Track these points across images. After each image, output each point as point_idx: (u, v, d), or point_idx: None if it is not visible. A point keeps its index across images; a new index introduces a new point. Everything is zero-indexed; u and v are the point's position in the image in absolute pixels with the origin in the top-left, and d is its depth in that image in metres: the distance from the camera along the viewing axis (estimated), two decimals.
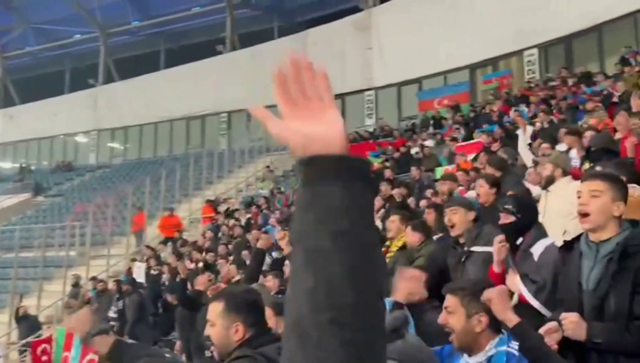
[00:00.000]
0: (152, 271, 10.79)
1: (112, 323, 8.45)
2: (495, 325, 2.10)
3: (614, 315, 2.10)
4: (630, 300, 2.07)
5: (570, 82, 14.01)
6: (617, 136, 5.10)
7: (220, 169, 19.65)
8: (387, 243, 4.92)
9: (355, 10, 22.95)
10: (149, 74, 27.20)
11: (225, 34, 26.47)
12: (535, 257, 2.89)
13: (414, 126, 17.77)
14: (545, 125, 9.74)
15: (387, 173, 10.98)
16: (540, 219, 3.70)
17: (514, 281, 2.84)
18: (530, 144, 7.47)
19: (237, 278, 7.08)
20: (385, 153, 14.57)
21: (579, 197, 2.31)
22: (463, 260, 3.61)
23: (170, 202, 17.52)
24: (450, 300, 2.16)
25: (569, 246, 2.40)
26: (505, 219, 3.02)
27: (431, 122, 17.14)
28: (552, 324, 2.17)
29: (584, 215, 2.23)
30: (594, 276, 2.20)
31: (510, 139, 9.46)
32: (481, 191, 4.47)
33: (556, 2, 16.84)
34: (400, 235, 4.77)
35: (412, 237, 4.49)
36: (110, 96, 27.51)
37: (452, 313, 2.12)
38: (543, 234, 3.01)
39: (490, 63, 19.54)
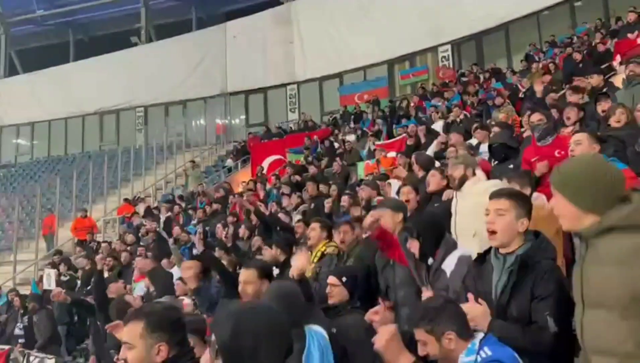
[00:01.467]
0: (63, 277, 10.15)
1: (19, 340, 7.88)
2: (465, 334, 2.15)
3: (515, 321, 2.25)
4: (529, 307, 2.22)
5: (481, 78, 14.73)
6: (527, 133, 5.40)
7: (137, 167, 18.84)
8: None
9: (276, 3, 22.80)
10: (57, 66, 25.54)
11: (140, 25, 25.38)
12: (448, 273, 2.97)
13: (336, 120, 17.95)
14: (459, 119, 10.18)
15: (312, 169, 10.98)
16: (453, 220, 3.79)
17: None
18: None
19: None
20: (307, 148, 14.59)
21: (486, 215, 2.45)
22: (391, 263, 3.62)
23: (84, 202, 16.60)
24: (418, 334, 2.19)
25: (482, 258, 2.54)
26: (412, 244, 3.07)
27: (352, 116, 17.39)
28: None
29: (491, 233, 2.38)
30: (500, 286, 2.35)
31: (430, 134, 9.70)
32: (410, 198, 4.54)
33: (467, 1, 17.63)
34: (323, 243, 4.74)
35: (348, 236, 4.38)
36: (14, 90, 25.58)
37: (426, 345, 2.16)
38: (451, 247, 3.08)
39: (407, 59, 20.13)
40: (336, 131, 15.68)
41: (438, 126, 10.46)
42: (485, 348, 2.07)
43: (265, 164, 15.62)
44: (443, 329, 2.11)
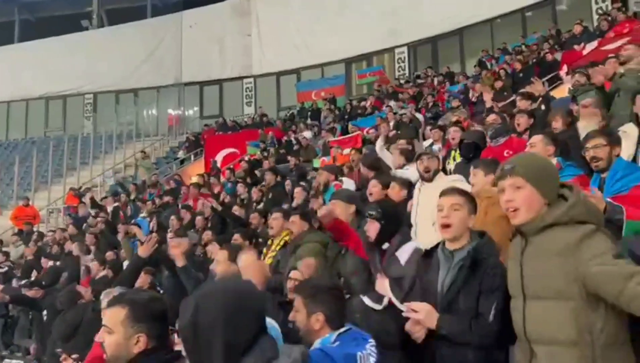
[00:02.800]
0: (0, 269, 9.68)
1: None
2: (334, 323, 2.25)
3: (462, 316, 2.32)
4: (477, 302, 2.31)
5: (436, 81, 15.05)
6: None
7: (85, 155, 18.17)
8: (269, 242, 4.86)
9: None
10: (0, 46, 24.26)
11: (91, 9, 24.45)
12: (402, 261, 3.01)
13: (293, 116, 17.93)
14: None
15: (266, 163, 10.94)
16: (414, 210, 3.89)
17: (383, 285, 2.96)
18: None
19: (103, 274, 6.60)
20: (264, 141, 14.51)
21: (440, 210, 2.53)
22: (343, 252, 3.67)
23: (26, 190, 15.85)
24: (297, 300, 2.34)
25: (429, 254, 2.63)
26: (371, 225, 3.12)
27: (309, 113, 17.41)
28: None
29: (446, 226, 2.47)
30: (447, 281, 2.40)
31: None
32: (374, 191, 4.59)
33: (424, 5, 17.97)
34: (285, 233, 4.74)
35: (300, 226, 4.46)
36: None
37: (298, 312, 2.31)
38: (407, 238, 3.15)
39: (365, 58, 20.32)
40: (293, 127, 15.65)
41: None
42: (337, 342, 2.17)
43: (219, 157, 15.41)
44: (316, 308, 2.24)
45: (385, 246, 3.09)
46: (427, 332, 2.39)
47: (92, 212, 11.86)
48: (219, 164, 14.66)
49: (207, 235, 6.90)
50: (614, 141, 3.27)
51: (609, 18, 11.64)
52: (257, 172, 11.06)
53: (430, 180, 4.13)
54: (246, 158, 13.24)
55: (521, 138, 4.49)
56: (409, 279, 2.85)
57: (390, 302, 2.95)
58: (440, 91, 13.68)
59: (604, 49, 9.40)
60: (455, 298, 2.36)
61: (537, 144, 3.66)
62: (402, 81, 16.85)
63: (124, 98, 23.03)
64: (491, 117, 5.17)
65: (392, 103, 13.19)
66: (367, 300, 3.08)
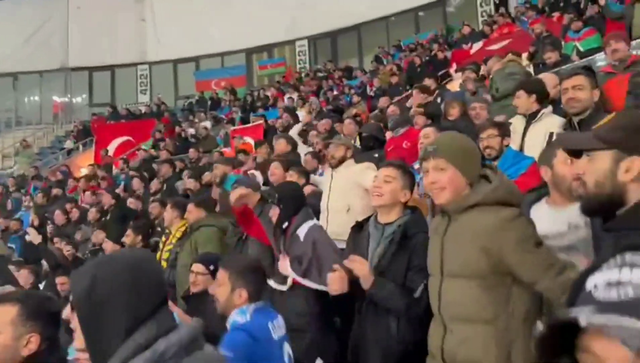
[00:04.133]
0: None
1: None
2: (254, 298, 2.32)
3: (387, 279, 2.37)
4: (405, 275, 2.36)
5: (336, 75, 15.37)
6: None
7: None
8: (167, 231, 4.71)
9: None
10: None
11: None
12: (301, 238, 3.08)
13: (192, 105, 17.39)
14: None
15: (163, 154, 10.51)
16: (326, 196, 3.96)
17: (284, 265, 3.02)
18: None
19: None
20: (160, 131, 13.93)
21: (374, 180, 2.59)
22: (244, 238, 3.66)
23: None
24: (221, 273, 2.37)
25: (359, 227, 2.67)
26: (274, 209, 3.18)
27: (209, 103, 17.00)
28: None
29: (378, 195, 2.52)
30: (377, 254, 2.44)
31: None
32: (276, 172, 4.65)
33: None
34: (182, 223, 4.62)
35: (196, 213, 4.40)
36: None
37: (220, 286, 2.34)
38: (308, 217, 3.21)
39: (266, 50, 20.22)
40: (191, 117, 15.19)
41: (301, 115, 10.70)
42: (253, 314, 2.27)
43: (112, 147, 14.56)
44: (241, 284, 2.30)
45: (285, 224, 3.15)
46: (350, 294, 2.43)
47: None
48: (111, 154, 13.86)
49: (100, 235, 6.43)
50: (505, 132, 3.55)
51: (492, 21, 12.60)
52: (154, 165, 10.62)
53: (335, 167, 4.21)
54: (143, 147, 12.62)
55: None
56: (307, 255, 2.90)
57: (294, 281, 3.00)
58: (339, 85, 14.00)
59: (489, 49, 10.17)
60: (384, 270, 2.40)
61: (431, 135, 3.87)
62: (303, 75, 17.00)
63: (1, 82, 20.94)
64: (390, 109, 5.41)
65: (294, 95, 13.26)
66: (272, 283, 3.11)
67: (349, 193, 3.79)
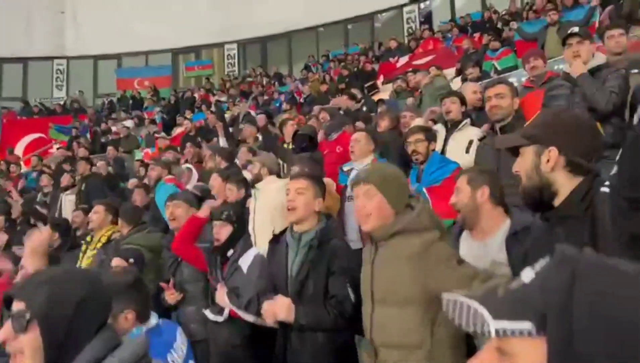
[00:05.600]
0: None
1: None
2: (143, 318, 2.15)
3: (312, 297, 2.39)
4: (326, 281, 2.39)
5: (265, 80, 15.35)
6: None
7: None
8: (88, 238, 4.41)
9: None
10: None
11: None
12: (244, 269, 3.01)
13: (112, 103, 16.67)
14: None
15: (82, 152, 10.01)
16: (251, 218, 3.83)
17: (222, 296, 2.94)
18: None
19: None
20: (77, 128, 13.24)
21: (287, 194, 2.60)
22: (179, 261, 3.48)
23: None
24: None
25: (277, 239, 2.68)
26: (222, 228, 3.08)
27: (130, 102, 16.38)
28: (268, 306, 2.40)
29: (292, 209, 2.54)
30: (297, 263, 2.46)
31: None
32: (215, 184, 4.52)
33: (254, 5, 18.20)
34: (109, 228, 4.34)
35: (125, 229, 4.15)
36: None
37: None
38: (249, 245, 3.17)
39: (193, 51, 19.81)
40: (114, 115, 14.58)
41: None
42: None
43: (22, 144, 13.66)
44: (124, 307, 2.08)
45: (230, 253, 3.06)
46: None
47: None
48: (19, 152, 12.99)
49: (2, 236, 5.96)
50: (431, 136, 3.70)
51: (419, 37, 13.15)
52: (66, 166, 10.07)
53: (253, 185, 4.07)
54: (56, 146, 11.94)
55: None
56: (251, 287, 2.84)
57: (231, 313, 2.93)
58: (268, 90, 13.99)
59: (415, 63, 10.61)
60: (305, 279, 2.41)
61: (361, 140, 3.96)
62: (232, 78, 16.83)
63: None
64: (321, 115, 5.49)
65: (222, 98, 13.09)
66: (209, 314, 3.04)
67: (273, 213, 3.58)
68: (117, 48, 19.29)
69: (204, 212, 3.48)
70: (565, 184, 1.51)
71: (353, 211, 3.44)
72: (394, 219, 2.06)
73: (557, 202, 1.54)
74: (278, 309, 2.33)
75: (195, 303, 3.34)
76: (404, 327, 1.95)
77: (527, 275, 0.69)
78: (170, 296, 3.28)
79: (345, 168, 3.98)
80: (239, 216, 3.16)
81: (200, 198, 4.07)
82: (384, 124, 5.10)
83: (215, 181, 4.59)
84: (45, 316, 1.15)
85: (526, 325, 0.64)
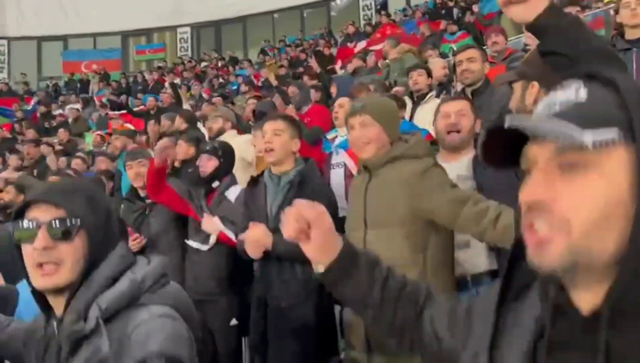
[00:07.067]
0: None
1: None
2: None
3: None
4: None
5: (220, 63, 15.09)
6: None
7: None
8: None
9: None
10: None
11: None
12: (232, 199, 3.01)
13: (58, 86, 15.97)
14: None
15: (29, 134, 9.59)
16: None
17: (213, 222, 2.92)
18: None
19: None
20: (23, 111, 12.65)
21: (264, 136, 2.61)
22: (147, 212, 3.40)
23: None
24: None
25: (255, 181, 2.67)
26: (208, 161, 3.06)
27: (78, 85, 15.74)
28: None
29: (270, 151, 2.53)
30: (276, 203, 2.48)
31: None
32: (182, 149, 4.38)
33: None
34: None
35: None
36: None
37: None
38: (235, 181, 3.16)
39: (145, 34, 19.22)
40: (61, 99, 13.98)
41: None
42: None
43: None
44: None
45: (215, 184, 3.04)
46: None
47: None
48: None
49: None
50: (401, 104, 3.75)
51: (372, 23, 13.26)
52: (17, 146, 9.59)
53: (215, 138, 4.15)
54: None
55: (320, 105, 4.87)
56: (239, 214, 2.82)
57: (222, 236, 2.91)
58: (223, 73, 13.77)
59: (372, 48, 10.68)
60: None
61: (345, 105, 3.96)
62: (185, 61, 16.44)
63: None
64: (290, 90, 5.53)
65: (176, 81, 12.78)
66: (192, 243, 3.01)
67: (238, 165, 3.56)
68: (63, 30, 18.48)
69: (158, 158, 3.29)
70: None
71: (339, 178, 3.51)
72: (390, 147, 2.13)
73: None
74: (256, 235, 2.34)
75: (169, 253, 3.26)
76: (399, 246, 2.01)
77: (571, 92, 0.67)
78: (134, 243, 3.16)
79: (329, 136, 4.00)
80: (225, 151, 3.13)
81: None
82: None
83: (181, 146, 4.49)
84: (94, 224, 1.08)
85: (613, 133, 0.62)
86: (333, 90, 5.90)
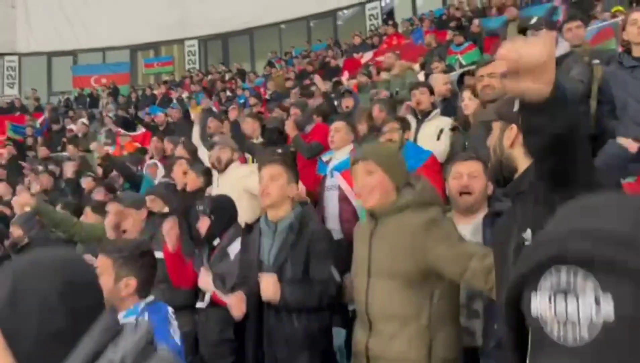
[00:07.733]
0: None
1: None
2: (142, 292, 2.08)
3: (291, 280, 2.33)
4: (305, 266, 2.35)
5: (227, 76, 15.13)
6: None
7: None
8: None
9: None
10: None
11: None
12: (232, 256, 2.96)
13: (69, 101, 16.12)
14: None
15: (43, 151, 9.69)
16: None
17: (207, 280, 2.87)
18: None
19: None
20: (33, 127, 12.76)
21: (260, 180, 2.57)
22: None
23: None
24: (100, 260, 2.08)
25: (249, 228, 2.62)
26: (202, 221, 3.05)
27: (88, 100, 15.87)
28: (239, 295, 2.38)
29: (266, 195, 2.50)
30: (274, 251, 2.42)
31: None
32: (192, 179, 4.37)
33: (215, 0, 17.93)
34: None
35: (93, 219, 4.08)
36: None
37: (102, 274, 2.00)
38: (239, 232, 3.11)
39: (152, 47, 19.37)
40: (71, 113, 14.09)
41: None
42: (146, 314, 2.04)
43: None
44: (128, 272, 2.02)
45: (216, 241, 3.02)
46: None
47: None
48: None
49: None
50: (406, 126, 3.72)
51: (379, 33, 13.23)
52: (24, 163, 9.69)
53: (222, 170, 4.06)
54: (14, 142, 11.47)
55: (324, 123, 4.82)
56: (235, 275, 2.79)
57: (214, 298, 2.88)
58: (231, 86, 13.79)
59: (379, 59, 10.66)
60: (283, 265, 2.36)
61: (341, 129, 3.94)
62: (193, 74, 16.53)
63: None
64: (292, 111, 5.54)
65: (184, 95, 12.85)
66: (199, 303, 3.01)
67: (236, 199, 3.47)
68: (73, 45, 18.69)
69: (170, 242, 3.09)
70: (523, 161, 1.54)
71: (333, 201, 3.48)
72: (396, 194, 2.07)
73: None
74: (264, 287, 2.28)
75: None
76: (402, 298, 1.96)
77: None
78: None
79: (324, 158, 3.97)
80: (216, 207, 3.09)
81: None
82: (362, 128, 5.01)
83: (179, 167, 4.48)
84: (6, 312, 0.95)
85: None
86: (349, 103, 5.71)
